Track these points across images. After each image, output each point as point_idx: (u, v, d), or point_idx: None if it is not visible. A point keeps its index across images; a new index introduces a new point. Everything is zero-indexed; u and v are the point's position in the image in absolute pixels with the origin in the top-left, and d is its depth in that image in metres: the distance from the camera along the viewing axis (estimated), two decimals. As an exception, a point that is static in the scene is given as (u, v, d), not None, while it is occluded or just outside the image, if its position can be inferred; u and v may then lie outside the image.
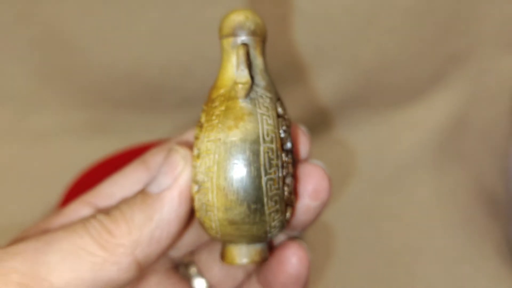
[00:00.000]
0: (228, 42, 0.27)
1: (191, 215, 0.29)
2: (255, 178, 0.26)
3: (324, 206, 0.29)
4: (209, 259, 0.33)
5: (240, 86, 0.26)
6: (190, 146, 0.28)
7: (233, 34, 0.27)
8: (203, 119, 0.27)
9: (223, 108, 0.26)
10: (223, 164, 0.26)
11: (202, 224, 0.28)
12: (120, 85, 0.50)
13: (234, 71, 0.27)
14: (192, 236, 0.31)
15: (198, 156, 0.27)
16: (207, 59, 0.48)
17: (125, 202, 0.28)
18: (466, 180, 0.50)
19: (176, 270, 0.32)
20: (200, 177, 0.27)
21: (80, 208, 0.30)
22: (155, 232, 0.27)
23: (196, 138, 0.27)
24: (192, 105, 0.50)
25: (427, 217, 0.48)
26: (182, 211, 0.27)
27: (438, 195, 0.49)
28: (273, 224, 0.27)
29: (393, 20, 0.48)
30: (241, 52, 0.26)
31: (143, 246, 0.27)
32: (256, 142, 0.26)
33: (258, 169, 0.26)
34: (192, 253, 0.33)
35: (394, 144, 0.52)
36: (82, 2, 0.47)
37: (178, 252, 0.32)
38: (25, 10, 0.47)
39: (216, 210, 0.26)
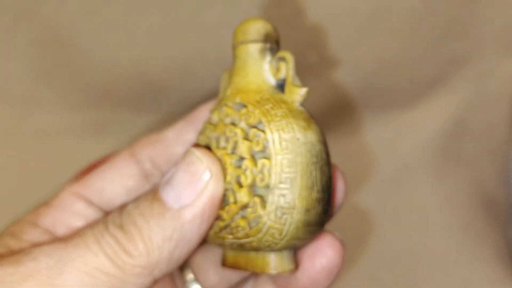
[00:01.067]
0: (256, 47, 0.27)
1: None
2: (329, 178, 0.26)
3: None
4: (204, 262, 0.32)
5: (301, 93, 0.27)
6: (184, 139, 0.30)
7: (262, 40, 0.27)
8: (249, 120, 0.26)
9: (284, 110, 0.26)
10: (307, 165, 0.25)
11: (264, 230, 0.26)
12: (121, 84, 0.49)
13: (265, 75, 0.27)
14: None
15: (268, 158, 0.26)
16: (208, 59, 0.48)
17: (139, 212, 0.26)
18: (466, 183, 0.49)
19: (170, 274, 0.32)
20: (274, 179, 0.25)
21: (72, 200, 0.28)
22: (175, 252, 0.25)
23: (248, 139, 0.26)
24: (193, 105, 0.50)
25: (427, 220, 0.48)
26: (204, 228, 0.26)
27: (438, 198, 0.49)
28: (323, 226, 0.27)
29: (393, 23, 0.48)
30: (292, 62, 0.27)
31: (161, 266, 0.25)
32: (324, 143, 0.27)
33: (330, 170, 0.26)
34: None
35: (394, 147, 0.52)
36: (83, 2, 0.47)
37: None
38: (26, 9, 0.47)
39: (296, 213, 0.25)
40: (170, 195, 0.26)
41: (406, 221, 0.48)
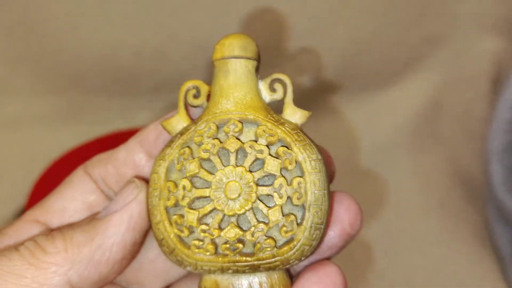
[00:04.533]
0: (253, 64, 0.28)
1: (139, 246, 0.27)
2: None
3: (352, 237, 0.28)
4: None
5: (307, 116, 0.27)
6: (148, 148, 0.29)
7: (257, 59, 0.28)
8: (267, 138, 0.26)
9: (298, 130, 0.27)
10: (327, 183, 0.26)
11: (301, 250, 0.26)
12: (92, 70, 0.49)
13: (261, 94, 0.28)
14: (169, 269, 0.29)
15: (302, 177, 0.26)
16: (181, 42, 0.47)
17: (69, 225, 0.26)
18: (443, 163, 0.50)
19: None
20: (310, 197, 0.26)
21: (27, 227, 0.28)
22: (95, 254, 0.25)
23: (277, 157, 0.26)
24: (166, 90, 0.49)
25: (404, 200, 0.48)
26: (129, 238, 0.26)
27: (415, 178, 0.49)
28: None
29: (368, 3, 0.48)
30: (291, 85, 0.28)
31: (79, 267, 0.25)
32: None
33: None
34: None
35: (370, 128, 0.52)
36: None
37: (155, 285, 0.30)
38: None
39: (323, 228, 0.26)
40: (102, 213, 0.27)
41: (384, 201, 0.48)
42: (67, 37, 0.47)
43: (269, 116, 0.27)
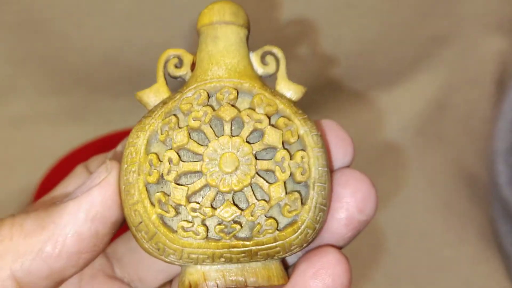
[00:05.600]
0: (244, 33, 0.25)
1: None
2: None
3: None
4: None
5: (302, 91, 0.25)
6: None
7: (248, 28, 0.25)
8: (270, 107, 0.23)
9: (293, 103, 0.24)
10: (327, 161, 0.24)
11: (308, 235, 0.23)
12: (97, 69, 0.49)
13: (253, 64, 0.25)
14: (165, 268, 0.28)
15: (305, 151, 0.23)
16: (185, 41, 0.47)
17: (32, 208, 0.24)
18: (447, 163, 0.49)
19: None
20: (314, 173, 0.23)
21: None
22: (45, 245, 0.22)
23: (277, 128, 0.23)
24: (172, 89, 0.49)
25: (408, 200, 0.48)
26: (87, 229, 0.22)
27: (419, 179, 0.49)
28: None
29: (372, 2, 0.47)
30: (284, 59, 0.25)
31: (24, 259, 0.22)
32: None
33: None
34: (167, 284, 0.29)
35: (375, 128, 0.52)
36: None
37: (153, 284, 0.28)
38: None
39: (326, 211, 0.24)
40: (65, 198, 0.24)
41: (388, 202, 0.48)
42: (72, 37, 0.47)
43: (264, 85, 0.24)
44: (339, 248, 0.25)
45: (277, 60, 0.25)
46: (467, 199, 0.48)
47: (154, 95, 0.25)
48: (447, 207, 0.47)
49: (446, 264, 0.44)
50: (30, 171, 0.47)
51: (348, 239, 0.24)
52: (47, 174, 0.46)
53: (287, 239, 0.23)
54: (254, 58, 0.25)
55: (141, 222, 0.23)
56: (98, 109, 0.51)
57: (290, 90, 0.25)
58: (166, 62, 0.25)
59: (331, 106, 0.52)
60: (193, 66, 0.25)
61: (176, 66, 0.25)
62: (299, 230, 0.23)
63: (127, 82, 0.50)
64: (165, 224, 0.23)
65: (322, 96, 0.52)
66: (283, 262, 0.25)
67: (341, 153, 0.25)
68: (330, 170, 0.24)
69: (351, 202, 0.24)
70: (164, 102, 0.24)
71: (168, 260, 0.23)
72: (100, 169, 0.23)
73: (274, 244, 0.23)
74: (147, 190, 0.23)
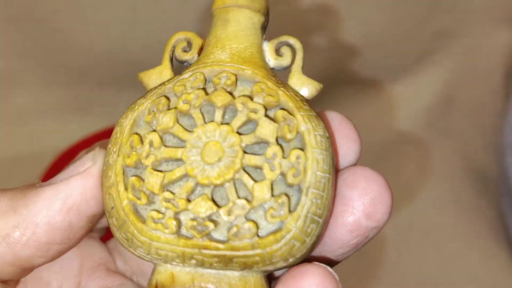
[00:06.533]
0: (259, 19, 0.23)
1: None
2: None
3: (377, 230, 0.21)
4: None
5: (318, 88, 0.22)
6: None
7: (265, 15, 0.23)
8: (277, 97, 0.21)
9: (302, 99, 0.22)
10: (333, 168, 0.21)
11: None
12: (101, 62, 0.48)
13: (265, 55, 0.22)
14: None
15: (302, 150, 0.20)
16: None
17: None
18: (455, 157, 0.49)
19: None
20: (310, 178, 0.20)
21: None
22: (13, 231, 0.20)
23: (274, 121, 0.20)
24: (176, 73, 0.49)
25: (416, 195, 0.47)
26: (61, 220, 0.21)
27: (427, 173, 0.49)
28: None
29: None
30: (302, 51, 0.23)
31: None
32: None
33: None
34: None
35: (381, 122, 0.51)
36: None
37: None
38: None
39: (321, 224, 0.20)
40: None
41: (395, 197, 0.47)
42: (76, 30, 0.47)
43: (270, 75, 0.21)
44: (335, 261, 0.22)
45: (293, 52, 0.23)
46: (476, 193, 0.47)
47: (156, 77, 0.23)
48: (456, 201, 0.47)
49: (455, 259, 0.44)
50: (34, 165, 0.47)
51: (354, 246, 0.21)
52: (51, 167, 0.46)
53: (267, 249, 0.19)
54: (268, 47, 0.22)
55: (113, 208, 0.20)
56: (103, 102, 0.50)
57: (303, 85, 0.22)
58: (174, 46, 0.23)
59: (334, 100, 0.52)
60: (200, 50, 0.23)
61: (184, 50, 0.23)
62: (283, 240, 0.19)
63: (132, 75, 0.49)
64: (136, 212, 0.20)
65: (325, 91, 0.51)
66: (269, 279, 0.21)
67: (345, 150, 0.22)
68: (336, 170, 0.21)
69: (358, 205, 0.20)
70: (162, 84, 0.22)
71: (136, 253, 0.20)
72: (86, 157, 0.22)
73: (251, 252, 0.19)
74: (123, 173, 0.20)
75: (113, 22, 0.47)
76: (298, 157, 0.20)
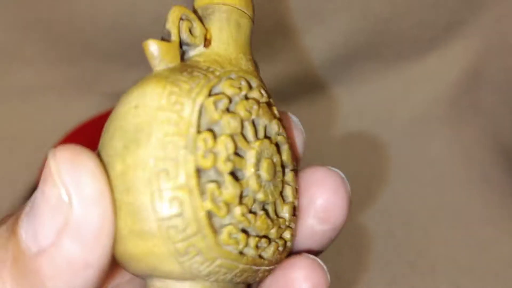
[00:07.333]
0: (250, 26, 0.21)
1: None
2: None
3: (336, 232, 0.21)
4: None
5: None
6: None
7: (253, 22, 0.21)
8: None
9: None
10: None
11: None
12: (107, 36, 0.47)
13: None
14: None
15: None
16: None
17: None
18: (483, 135, 0.47)
19: None
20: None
21: None
22: None
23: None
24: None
25: (444, 175, 0.46)
26: (75, 282, 0.16)
27: (455, 152, 0.47)
28: None
29: None
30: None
31: None
32: None
33: None
34: None
35: (406, 98, 0.49)
36: None
37: None
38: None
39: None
40: (27, 229, 0.17)
41: (421, 176, 0.46)
42: (80, 2, 0.45)
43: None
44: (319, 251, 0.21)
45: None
46: (505, 173, 0.45)
47: (161, 53, 0.19)
48: (484, 182, 0.45)
49: (485, 244, 0.42)
50: (38, 144, 0.45)
51: (321, 246, 0.21)
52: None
53: (277, 263, 0.20)
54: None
55: (181, 214, 0.17)
56: (109, 79, 0.49)
57: None
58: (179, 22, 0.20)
59: (358, 75, 0.50)
60: (207, 42, 0.20)
61: (190, 32, 0.20)
62: (285, 251, 0.20)
63: (140, 51, 0.47)
64: (212, 224, 0.18)
65: (348, 65, 0.50)
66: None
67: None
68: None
69: (310, 211, 0.21)
70: (197, 70, 0.19)
71: (181, 271, 0.18)
72: (55, 195, 0.16)
73: (267, 268, 0.19)
74: (197, 175, 0.17)
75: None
76: (293, 178, 0.21)
